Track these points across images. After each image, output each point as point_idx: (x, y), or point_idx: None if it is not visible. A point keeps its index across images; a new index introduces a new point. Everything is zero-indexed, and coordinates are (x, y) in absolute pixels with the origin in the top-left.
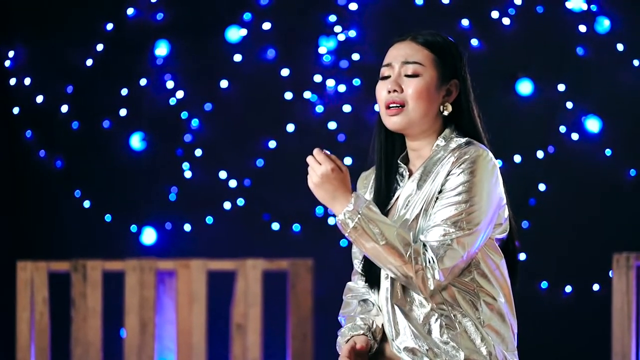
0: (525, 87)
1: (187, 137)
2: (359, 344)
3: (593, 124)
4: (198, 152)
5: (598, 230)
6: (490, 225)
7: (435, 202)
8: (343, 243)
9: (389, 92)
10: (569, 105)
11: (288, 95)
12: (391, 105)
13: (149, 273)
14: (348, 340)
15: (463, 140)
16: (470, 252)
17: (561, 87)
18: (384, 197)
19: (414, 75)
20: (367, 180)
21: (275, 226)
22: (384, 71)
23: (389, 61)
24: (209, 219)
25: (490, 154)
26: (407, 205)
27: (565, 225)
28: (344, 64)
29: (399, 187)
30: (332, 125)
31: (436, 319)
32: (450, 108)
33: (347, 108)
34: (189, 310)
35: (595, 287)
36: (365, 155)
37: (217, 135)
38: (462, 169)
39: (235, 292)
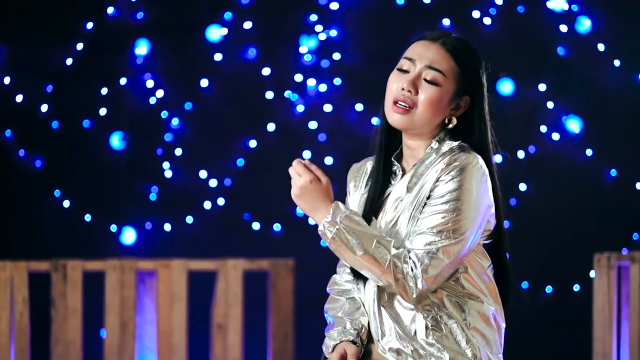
0: (506, 87)
1: (168, 137)
2: (349, 355)
3: (574, 124)
4: (178, 152)
5: (579, 231)
6: (478, 233)
7: (423, 207)
8: (324, 243)
9: (402, 89)
10: (550, 105)
11: (269, 95)
12: (399, 103)
13: (129, 273)
14: (337, 344)
15: (455, 144)
16: (456, 261)
17: (542, 87)
18: (378, 195)
19: (433, 83)
20: (359, 173)
21: (256, 226)
22: (404, 64)
23: (412, 56)
24: (189, 219)
25: (481, 161)
26: (396, 207)
27: (546, 225)
28: (325, 63)
29: (390, 185)
30: (312, 124)
31: (422, 320)
32: (455, 122)
33: (328, 108)
34: (169, 310)
35: (576, 287)
36: (346, 155)
37: (198, 134)
38: (452, 176)
39: (215, 292)
